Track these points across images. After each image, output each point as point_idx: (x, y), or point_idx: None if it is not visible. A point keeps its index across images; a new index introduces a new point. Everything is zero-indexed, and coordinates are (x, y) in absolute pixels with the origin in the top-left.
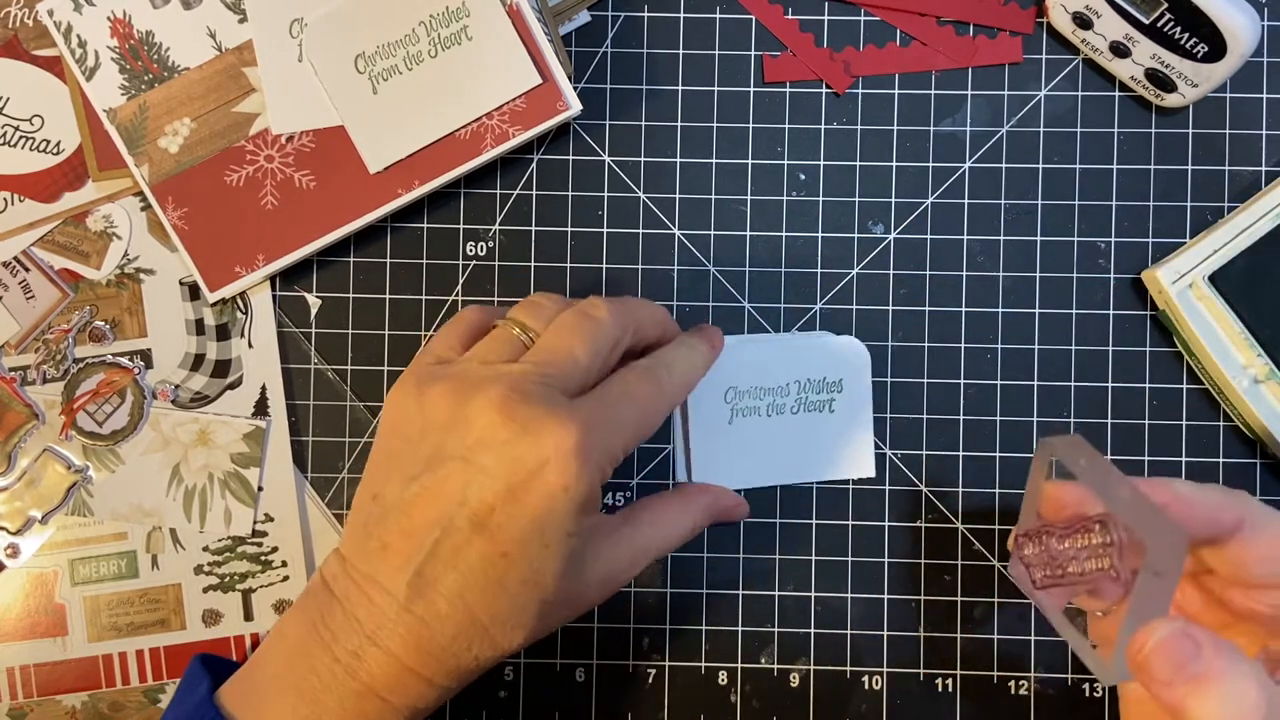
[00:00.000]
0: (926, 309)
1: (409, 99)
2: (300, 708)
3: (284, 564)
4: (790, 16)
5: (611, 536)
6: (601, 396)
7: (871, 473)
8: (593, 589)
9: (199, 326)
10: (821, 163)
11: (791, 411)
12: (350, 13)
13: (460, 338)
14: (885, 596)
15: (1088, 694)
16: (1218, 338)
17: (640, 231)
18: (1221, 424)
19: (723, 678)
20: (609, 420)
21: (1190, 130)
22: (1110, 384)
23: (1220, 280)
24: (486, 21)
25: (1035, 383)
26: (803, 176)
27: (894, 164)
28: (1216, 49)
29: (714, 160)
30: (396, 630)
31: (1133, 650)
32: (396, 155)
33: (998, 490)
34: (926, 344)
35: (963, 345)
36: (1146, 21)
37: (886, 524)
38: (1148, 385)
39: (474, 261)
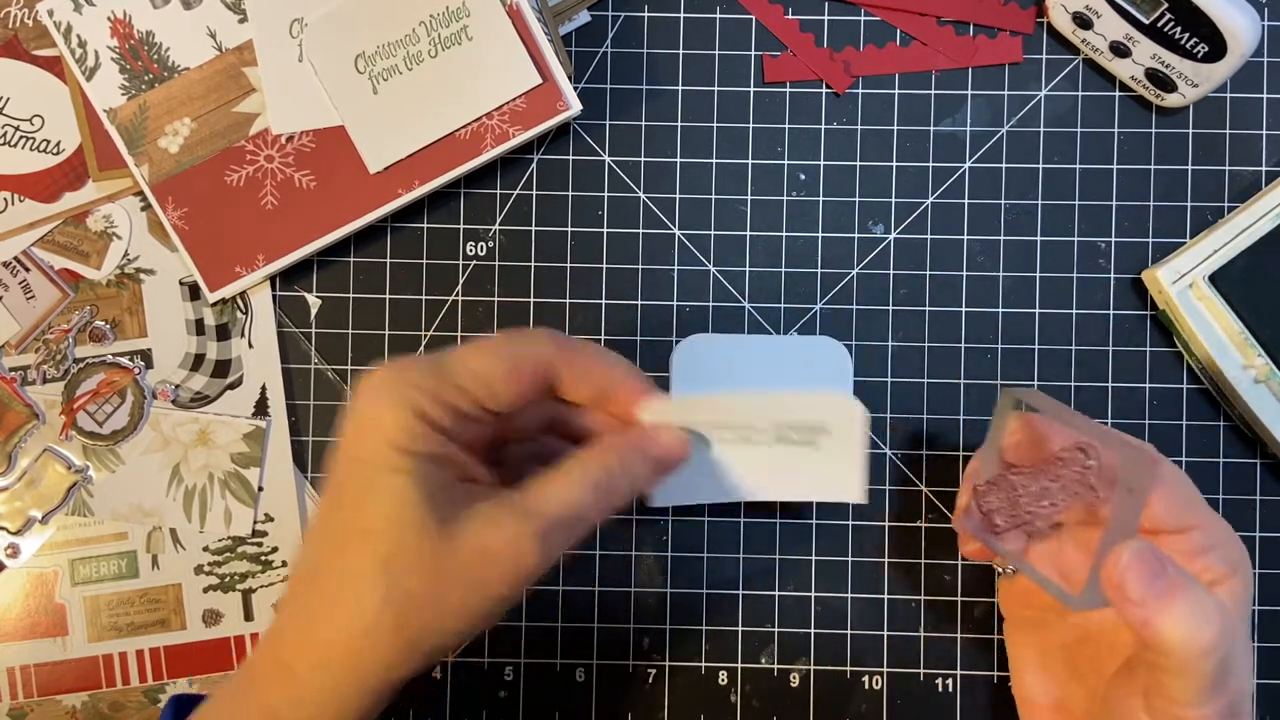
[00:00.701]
0: (926, 309)
1: (409, 99)
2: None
3: (284, 564)
4: (790, 16)
5: (486, 496)
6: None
7: (863, 499)
8: (462, 551)
9: (199, 326)
10: (821, 163)
11: (768, 445)
12: (350, 12)
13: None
14: (885, 596)
15: None
16: (1218, 338)
17: (640, 231)
18: (1221, 424)
19: (723, 678)
20: (431, 359)
21: (1190, 130)
22: (1110, 384)
23: (1220, 280)
24: (487, 21)
25: (1035, 383)
26: (803, 176)
27: (894, 164)
28: (1216, 49)
29: (714, 160)
30: (275, 621)
31: (1108, 568)
32: (396, 155)
33: None
34: (926, 344)
35: (963, 345)
36: (1146, 21)
37: (886, 524)
38: (1148, 385)
39: (474, 261)
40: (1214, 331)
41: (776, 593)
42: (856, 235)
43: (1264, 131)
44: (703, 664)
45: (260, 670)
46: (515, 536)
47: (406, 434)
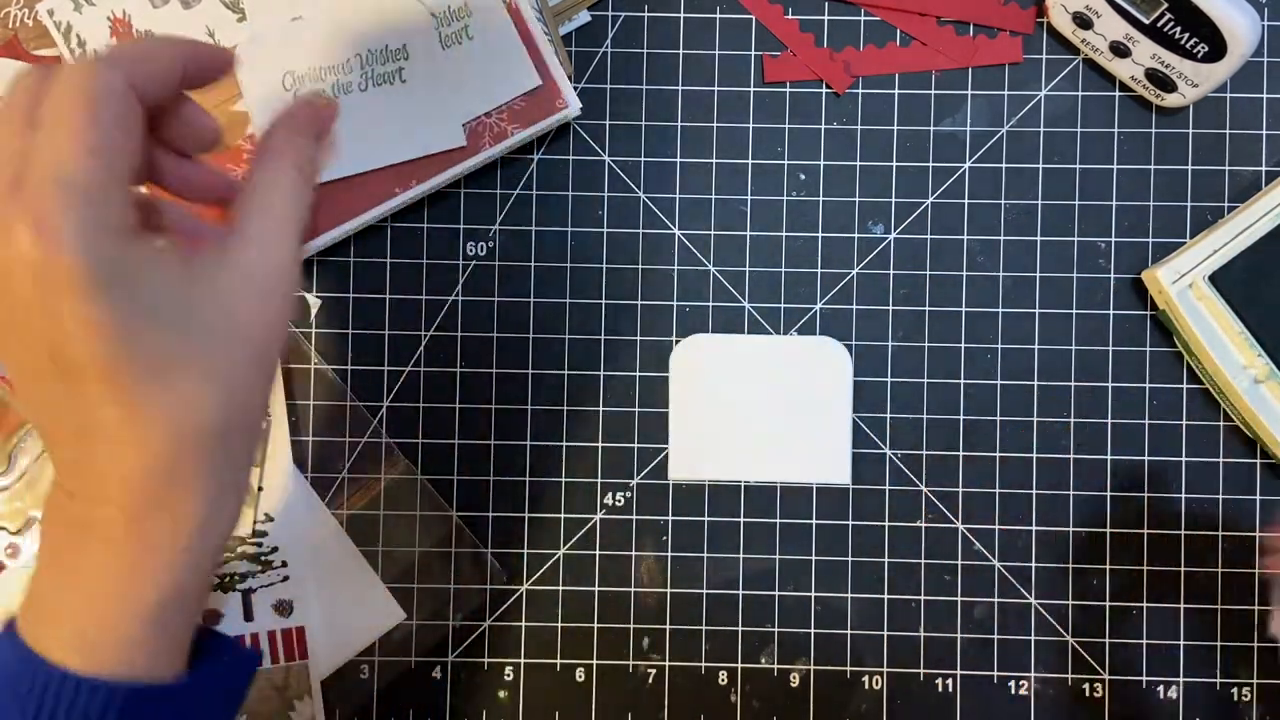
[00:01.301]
0: (926, 309)
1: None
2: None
3: (284, 564)
4: (790, 16)
5: (220, 258)
6: (32, 158)
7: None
8: (252, 311)
9: None
10: (821, 163)
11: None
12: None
13: None
14: (885, 596)
15: (1088, 694)
16: (1218, 338)
17: (640, 231)
18: (1221, 424)
19: (723, 678)
20: (53, 178)
21: (1190, 130)
22: (1110, 384)
23: (1220, 280)
24: (487, 21)
25: (1035, 383)
26: (803, 176)
27: (894, 164)
28: (1216, 49)
29: (714, 160)
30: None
31: None
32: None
33: (998, 490)
34: (926, 344)
35: (963, 345)
36: (1146, 21)
37: (886, 524)
38: (1148, 385)
39: (474, 261)
40: (1214, 331)
41: (776, 593)
42: (856, 235)
43: (1264, 131)
44: (703, 664)
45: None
46: (269, 264)
47: (111, 273)
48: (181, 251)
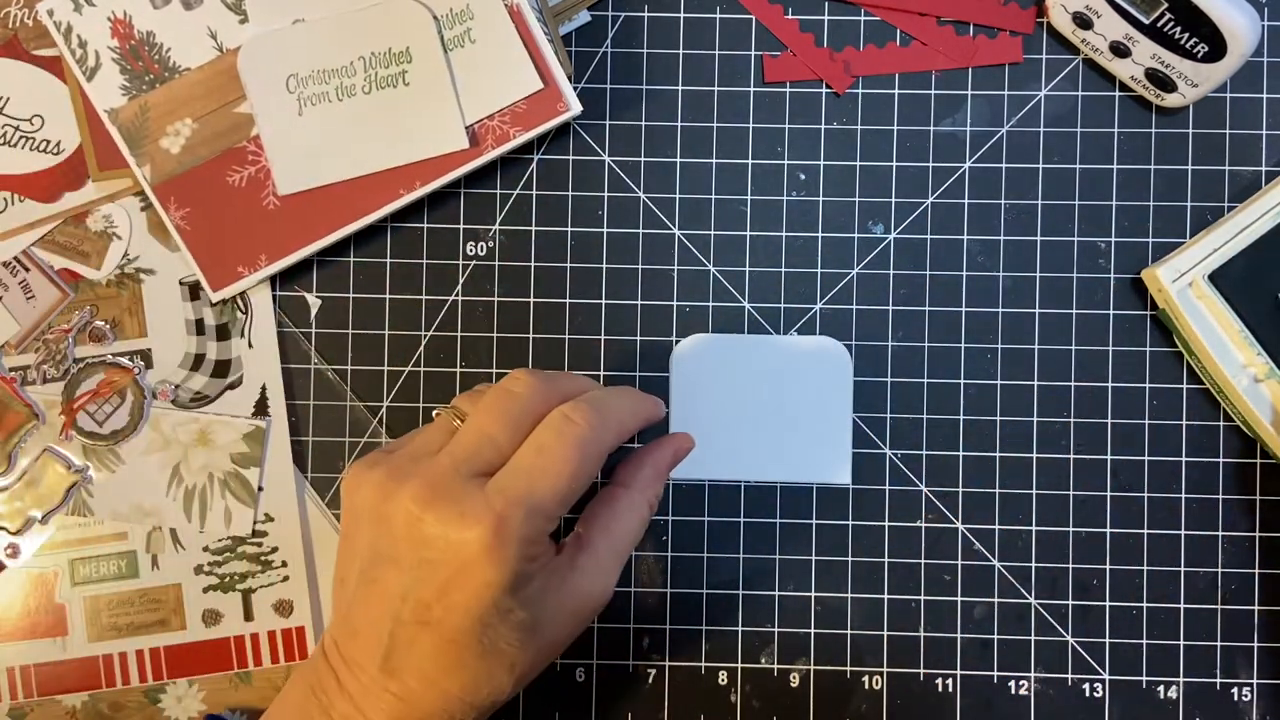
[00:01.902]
0: (926, 309)
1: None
2: None
3: (284, 564)
4: (790, 16)
5: (568, 577)
6: (516, 469)
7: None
8: (566, 625)
9: (199, 326)
10: (821, 163)
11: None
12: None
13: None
14: (885, 596)
15: (1087, 694)
16: (1217, 336)
17: (640, 231)
18: (1221, 424)
19: (723, 678)
20: (526, 497)
21: (1190, 130)
22: (1110, 384)
23: (1220, 279)
24: (490, 24)
25: (1035, 383)
26: (803, 176)
27: (894, 164)
28: (1216, 49)
29: (714, 160)
30: (379, 705)
31: None
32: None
33: (998, 490)
34: (926, 344)
35: (963, 345)
36: (1146, 21)
37: (887, 524)
38: (1148, 385)
39: (474, 261)
40: (1213, 330)
41: (776, 593)
42: (856, 235)
43: (1264, 131)
44: (703, 664)
45: None
46: (604, 592)
47: (523, 580)
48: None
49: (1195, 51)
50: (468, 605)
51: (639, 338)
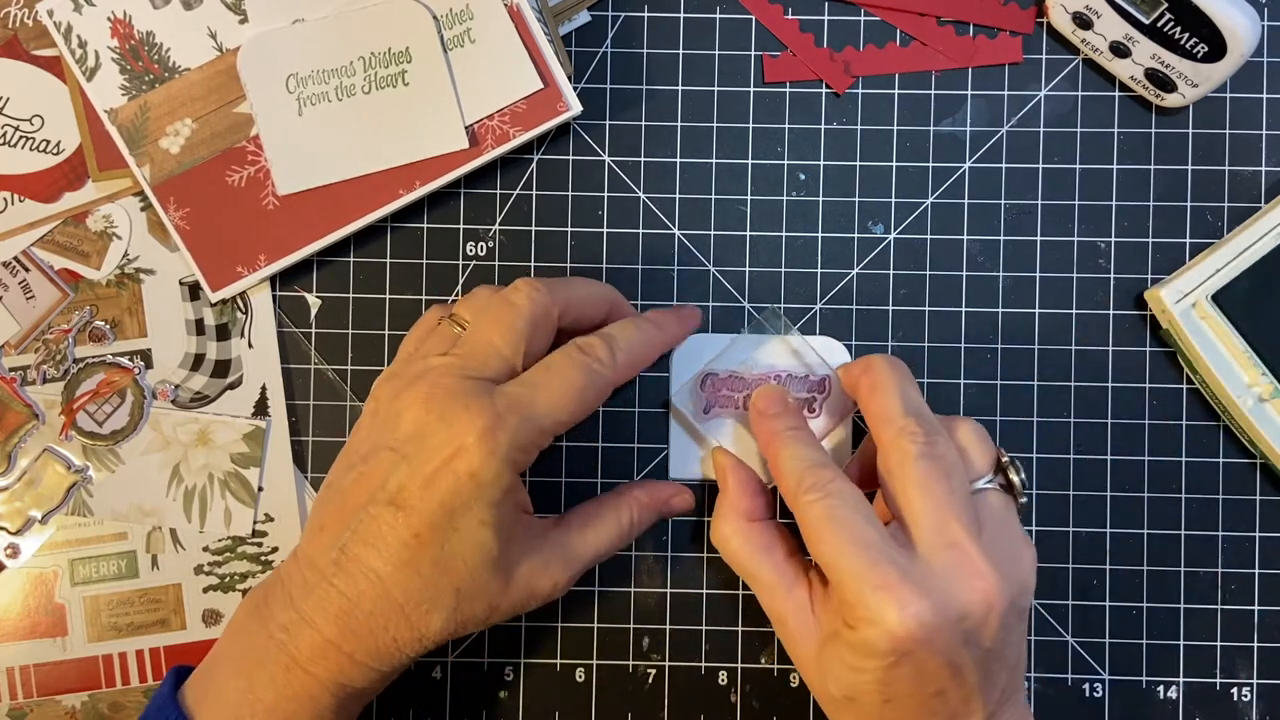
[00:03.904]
0: (926, 309)
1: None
2: (238, 681)
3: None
4: (790, 16)
5: (540, 539)
6: (523, 381)
7: None
8: (516, 590)
9: (199, 326)
10: (821, 163)
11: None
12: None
13: (422, 337)
14: None
15: (1087, 694)
16: (1221, 357)
17: (640, 231)
18: (1221, 424)
19: (723, 678)
20: (525, 406)
21: (1190, 130)
22: (1110, 384)
23: (1223, 299)
24: (490, 25)
25: (1035, 383)
26: (803, 176)
27: (894, 164)
28: (1216, 49)
29: (714, 160)
30: (321, 604)
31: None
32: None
33: None
34: (926, 344)
35: (963, 345)
36: (1146, 21)
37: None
38: (1148, 385)
39: (474, 261)
40: (1217, 351)
41: None
42: (856, 235)
43: (1264, 131)
44: (703, 664)
45: (300, 637)
46: (556, 580)
47: (502, 492)
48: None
49: (1195, 51)
50: (444, 494)
51: None
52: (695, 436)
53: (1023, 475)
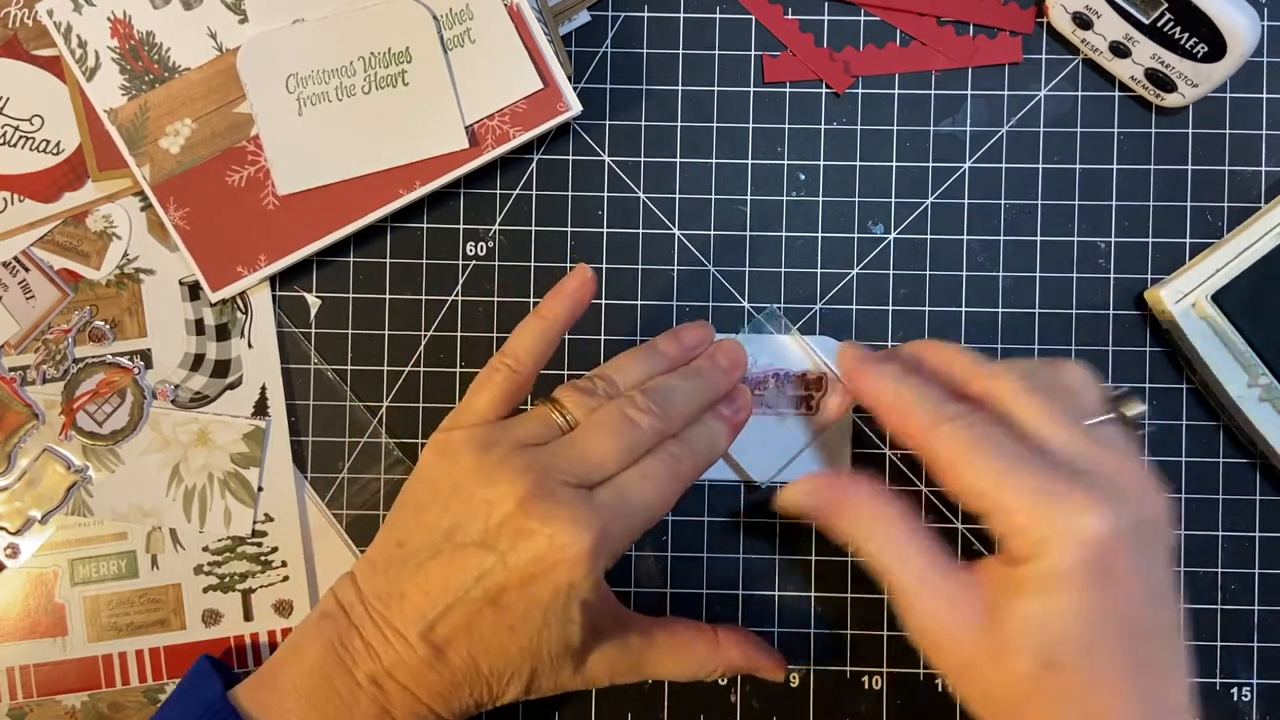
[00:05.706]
0: (926, 309)
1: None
2: (313, 715)
3: (284, 564)
4: (790, 16)
5: (620, 641)
6: (622, 493)
7: None
8: (583, 675)
9: (199, 326)
10: (821, 163)
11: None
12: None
13: (502, 400)
14: (885, 596)
15: None
16: (1221, 357)
17: (640, 231)
18: (1221, 424)
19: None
20: (625, 517)
21: (1190, 130)
22: (1110, 384)
23: (1223, 299)
24: (489, 24)
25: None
26: (803, 176)
27: (894, 164)
28: (1216, 49)
29: (714, 160)
30: (412, 672)
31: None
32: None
33: None
34: None
35: (962, 345)
36: (1146, 21)
37: None
38: (1148, 385)
39: (474, 261)
40: (1218, 351)
41: (776, 593)
42: (856, 235)
43: (1264, 131)
44: None
45: (393, 695)
46: (617, 680)
47: (594, 593)
48: None
49: (1195, 51)
50: (545, 599)
51: (639, 338)
52: None
53: (1142, 407)
